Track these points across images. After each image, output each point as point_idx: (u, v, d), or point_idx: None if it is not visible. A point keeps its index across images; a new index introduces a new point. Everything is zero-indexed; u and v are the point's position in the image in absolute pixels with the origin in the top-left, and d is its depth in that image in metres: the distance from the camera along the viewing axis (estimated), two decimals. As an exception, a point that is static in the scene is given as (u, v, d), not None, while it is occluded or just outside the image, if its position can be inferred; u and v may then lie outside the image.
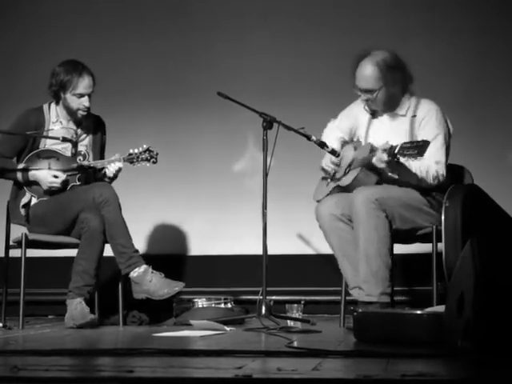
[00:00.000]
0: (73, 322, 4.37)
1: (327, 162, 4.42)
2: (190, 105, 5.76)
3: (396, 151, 3.99)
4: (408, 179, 4.21)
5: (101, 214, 4.44)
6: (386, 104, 4.33)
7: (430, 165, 4.19)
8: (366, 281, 4.12)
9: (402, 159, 4.07)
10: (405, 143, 4.00)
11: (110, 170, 4.61)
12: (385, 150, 4.06)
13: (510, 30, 5.49)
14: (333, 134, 4.50)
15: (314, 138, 4.31)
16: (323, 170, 4.49)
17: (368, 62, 4.27)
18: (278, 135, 4.22)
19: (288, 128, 4.29)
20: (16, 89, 5.83)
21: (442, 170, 4.23)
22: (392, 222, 4.18)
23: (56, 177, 4.56)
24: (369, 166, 4.22)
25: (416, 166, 4.16)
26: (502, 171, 5.41)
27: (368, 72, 4.25)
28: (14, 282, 4.52)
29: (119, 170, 4.62)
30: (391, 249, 4.19)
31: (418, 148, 3.92)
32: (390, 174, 4.21)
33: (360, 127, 4.47)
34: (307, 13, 5.72)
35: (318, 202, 4.46)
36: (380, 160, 4.11)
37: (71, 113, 4.64)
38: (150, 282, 4.43)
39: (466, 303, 2.79)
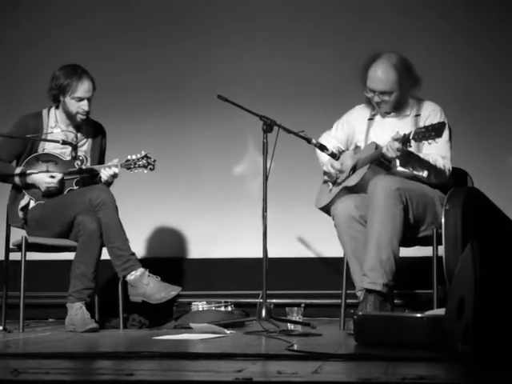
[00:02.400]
0: (73, 328, 4.37)
1: (328, 166, 4.42)
2: (189, 108, 5.76)
3: (411, 137, 3.99)
4: (420, 171, 4.21)
5: (97, 216, 4.45)
6: (396, 106, 4.33)
7: (437, 159, 4.22)
8: (372, 268, 4.05)
9: (412, 148, 4.07)
10: (418, 128, 4.01)
11: (105, 173, 4.60)
12: (397, 139, 4.05)
13: (509, 32, 5.50)
14: (328, 143, 4.47)
15: (314, 141, 4.31)
16: (326, 173, 4.48)
17: (385, 63, 4.25)
18: (278, 138, 4.22)
19: (288, 131, 4.29)
20: (16, 93, 5.83)
21: (449, 165, 4.26)
22: (407, 216, 4.15)
23: (53, 177, 4.56)
24: (377, 162, 4.21)
25: (426, 158, 4.17)
26: (502, 174, 5.41)
27: (387, 75, 4.23)
28: (14, 286, 4.53)
29: (114, 175, 4.62)
30: (400, 243, 4.15)
31: (435, 130, 3.93)
32: (401, 168, 4.21)
33: (358, 133, 4.47)
34: (307, 16, 5.72)
35: (320, 209, 4.46)
36: (392, 148, 4.07)
37: (70, 117, 4.64)
38: (146, 286, 4.43)
39: (466, 306, 2.79)
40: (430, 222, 4.24)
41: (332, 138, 4.55)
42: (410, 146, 4.08)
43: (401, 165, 4.21)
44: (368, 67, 4.29)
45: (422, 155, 4.20)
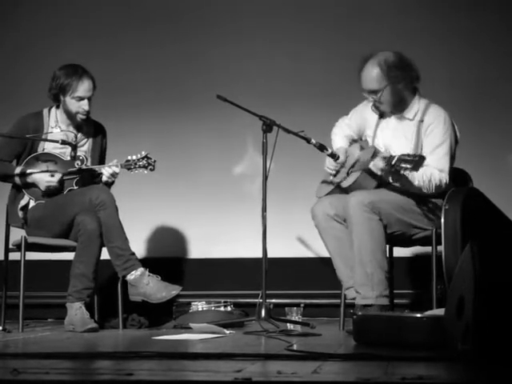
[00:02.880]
0: (72, 328, 4.37)
1: (329, 164, 4.42)
2: (189, 108, 5.76)
3: (393, 162, 4.01)
4: (409, 188, 4.21)
5: (97, 216, 4.44)
6: (395, 104, 4.31)
7: (433, 172, 4.19)
8: (362, 284, 4.11)
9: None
10: (402, 155, 4.01)
11: (105, 174, 4.60)
12: (384, 158, 4.08)
13: (509, 32, 5.50)
14: (342, 131, 4.51)
15: (313, 141, 4.31)
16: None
17: (370, 63, 4.27)
18: (278, 138, 4.22)
19: (287, 131, 4.29)
20: (16, 93, 5.83)
21: (446, 179, 4.22)
22: (387, 226, 4.18)
23: (52, 175, 4.56)
24: (368, 170, 4.23)
25: (419, 173, 4.14)
26: (501, 174, 5.41)
27: (370, 73, 4.25)
28: (14, 286, 4.52)
29: (114, 174, 4.61)
30: (386, 251, 4.18)
31: (414, 162, 3.94)
32: (391, 181, 4.22)
33: (368, 127, 4.46)
34: (306, 16, 5.72)
35: (320, 198, 4.47)
36: (377, 167, 4.16)
37: (71, 117, 4.64)
38: (146, 285, 4.43)
39: (465, 306, 2.79)
40: (419, 225, 4.25)
41: (346, 126, 4.55)
42: (397, 170, 4.08)
43: (392, 179, 4.22)
44: (361, 69, 4.30)
45: (413, 176, 4.15)
